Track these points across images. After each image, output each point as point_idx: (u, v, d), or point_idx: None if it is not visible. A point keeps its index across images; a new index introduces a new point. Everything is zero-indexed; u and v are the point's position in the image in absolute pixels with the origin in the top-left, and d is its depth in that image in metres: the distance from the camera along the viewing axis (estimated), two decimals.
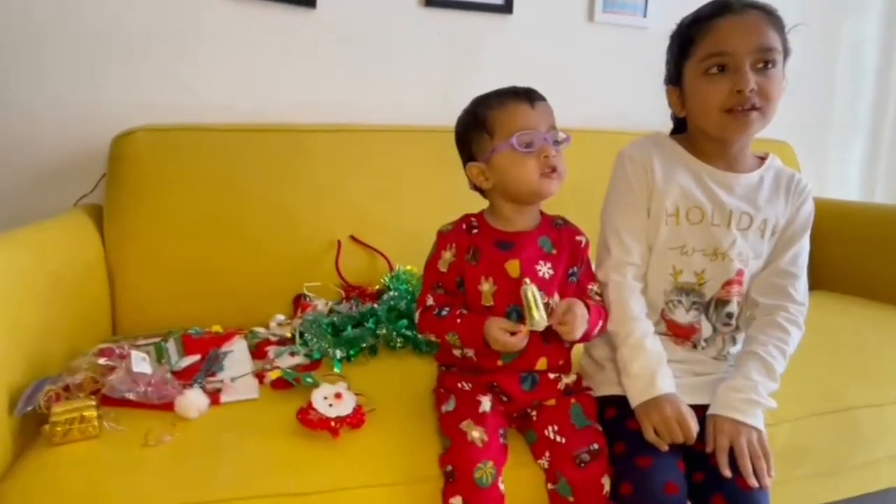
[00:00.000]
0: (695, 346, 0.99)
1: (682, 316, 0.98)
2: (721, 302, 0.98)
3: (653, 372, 0.89)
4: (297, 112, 1.53)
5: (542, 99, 0.92)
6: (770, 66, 0.89)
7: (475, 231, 0.94)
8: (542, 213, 0.98)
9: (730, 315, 0.99)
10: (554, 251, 0.94)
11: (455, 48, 1.68)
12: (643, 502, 0.81)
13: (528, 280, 0.86)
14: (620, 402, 0.92)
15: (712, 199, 0.96)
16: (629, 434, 0.88)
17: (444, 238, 0.95)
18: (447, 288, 0.95)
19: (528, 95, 0.91)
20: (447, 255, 0.94)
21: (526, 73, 1.69)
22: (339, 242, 1.38)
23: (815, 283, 1.15)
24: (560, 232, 0.96)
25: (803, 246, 0.99)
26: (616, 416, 0.93)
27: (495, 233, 0.94)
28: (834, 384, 1.12)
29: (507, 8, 1.68)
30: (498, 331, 0.85)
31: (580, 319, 0.87)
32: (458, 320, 0.89)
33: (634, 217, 0.98)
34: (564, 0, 1.77)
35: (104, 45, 1.41)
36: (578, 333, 0.87)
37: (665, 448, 0.85)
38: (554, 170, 0.88)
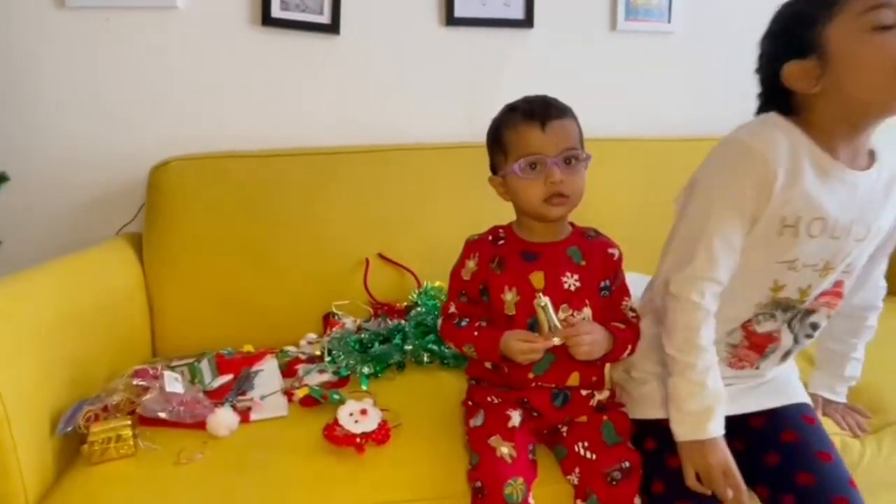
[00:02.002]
0: (757, 368, 0.91)
1: (764, 326, 0.88)
2: (809, 312, 0.89)
3: (710, 412, 0.81)
4: (324, 136, 1.56)
5: (559, 117, 0.88)
6: None
7: (501, 242, 0.94)
8: (572, 224, 0.96)
9: (814, 326, 0.90)
10: (583, 263, 0.92)
11: (478, 65, 1.69)
12: None
13: (540, 294, 0.84)
14: (660, 430, 0.86)
15: (838, 206, 0.81)
16: (669, 473, 0.83)
17: (469, 247, 0.96)
18: (470, 296, 0.94)
19: (542, 116, 0.87)
20: (470, 264, 0.94)
21: (550, 85, 1.67)
22: (367, 261, 1.39)
23: None
24: (591, 243, 0.94)
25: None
26: (656, 448, 0.87)
27: (522, 243, 0.93)
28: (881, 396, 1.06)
29: (527, 22, 1.69)
30: (516, 342, 0.84)
31: (591, 344, 0.84)
32: (476, 333, 0.89)
33: (735, 224, 0.82)
34: (585, 10, 1.75)
35: (139, 82, 1.49)
36: (589, 356, 0.85)
37: (708, 492, 0.80)
38: (560, 195, 0.87)
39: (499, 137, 0.91)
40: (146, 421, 0.93)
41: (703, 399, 0.81)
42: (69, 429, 0.87)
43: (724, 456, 0.80)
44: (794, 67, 0.80)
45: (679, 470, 0.82)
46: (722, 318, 0.86)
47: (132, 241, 1.39)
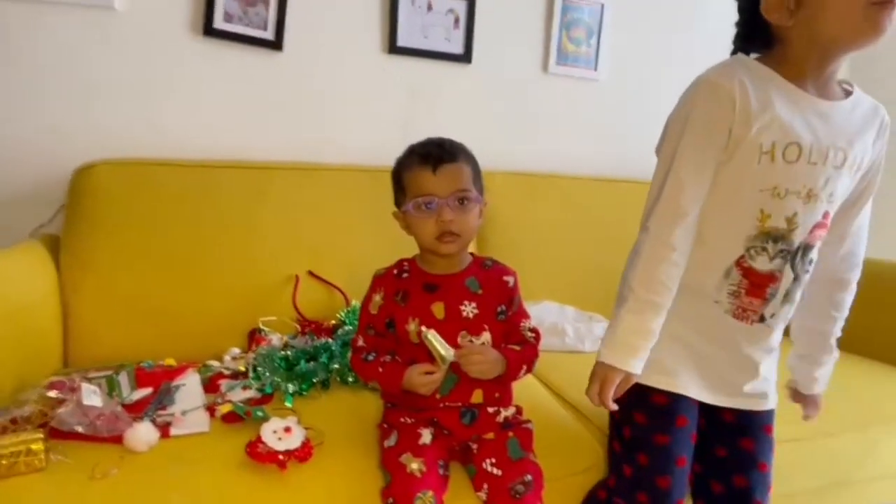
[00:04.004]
0: (762, 320, 0.92)
1: (764, 264, 0.90)
2: (807, 247, 0.91)
3: (640, 350, 0.88)
4: (258, 150, 1.58)
5: (451, 160, 0.94)
6: None
7: (405, 275, 1.01)
8: (472, 254, 1.04)
9: (811, 261, 0.93)
10: (480, 291, 0.99)
11: (415, 93, 1.76)
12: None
13: (424, 327, 0.93)
14: (652, 406, 0.94)
15: (811, 132, 0.86)
16: (655, 449, 0.92)
17: (376, 282, 1.02)
18: (377, 329, 1.01)
19: (435, 159, 0.93)
20: (377, 299, 1.00)
21: (483, 119, 1.82)
22: (296, 277, 1.41)
23: None
24: (488, 273, 1.02)
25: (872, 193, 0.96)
26: (645, 423, 0.95)
27: (423, 275, 1.00)
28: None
29: (465, 58, 1.78)
30: (417, 377, 0.92)
31: (480, 363, 0.92)
32: (380, 369, 0.96)
33: (703, 160, 0.86)
34: (521, 52, 1.88)
35: (68, 78, 1.45)
36: (482, 374, 0.93)
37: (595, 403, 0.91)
38: (450, 233, 0.94)
39: (399, 177, 0.99)
40: (58, 434, 0.91)
41: (642, 338, 0.88)
42: None
43: (616, 384, 0.88)
44: (773, 1, 0.84)
45: (665, 447, 0.91)
46: (716, 256, 0.91)
47: (47, 243, 1.34)
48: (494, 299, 1.00)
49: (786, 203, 0.87)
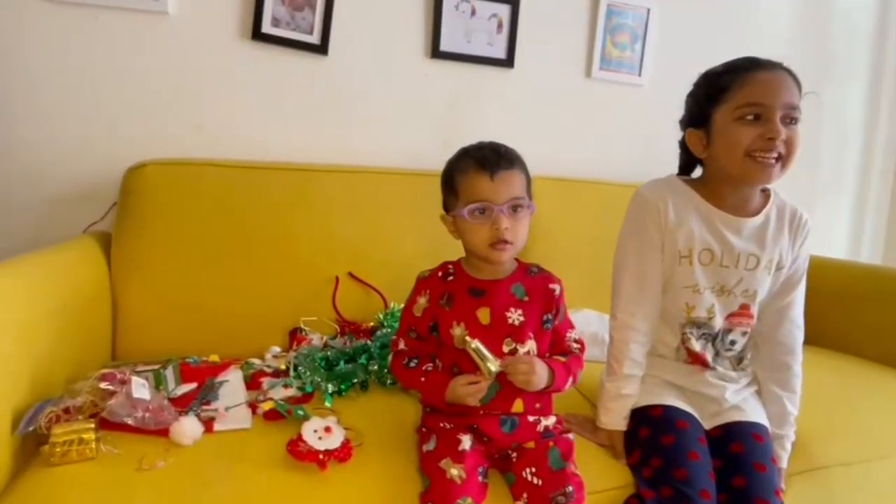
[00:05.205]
0: (707, 367, 1.10)
1: (696, 345, 1.09)
2: (726, 332, 1.10)
3: (622, 411, 1.07)
4: (303, 152, 1.60)
5: (508, 168, 0.94)
6: (794, 122, 0.98)
7: (451, 278, 1.00)
8: (518, 260, 1.03)
9: (732, 342, 1.11)
10: (526, 298, 0.98)
11: (457, 98, 1.77)
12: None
13: (468, 338, 0.92)
14: (650, 418, 1.04)
15: (721, 242, 1.05)
16: (664, 449, 0.98)
17: (420, 284, 1.01)
18: (419, 333, 1.00)
19: (492, 165, 0.93)
20: (422, 301, 1.00)
21: (525, 124, 1.81)
22: (336, 279, 1.43)
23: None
24: (534, 280, 1.01)
25: (804, 284, 1.11)
26: (650, 434, 1.02)
27: (470, 280, 0.99)
28: (805, 441, 1.15)
29: (508, 62, 1.78)
30: (462, 388, 0.91)
31: (526, 374, 0.91)
32: (423, 378, 0.96)
33: (647, 257, 1.06)
34: (563, 56, 1.86)
35: (122, 80, 1.49)
36: (527, 385, 0.92)
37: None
38: (504, 241, 0.93)
39: (451, 180, 0.98)
40: (108, 425, 0.93)
41: (622, 402, 1.06)
42: (30, 429, 0.87)
43: (621, 441, 1.05)
44: (692, 134, 1.06)
45: (672, 445, 0.98)
46: (667, 342, 1.12)
47: (100, 240, 1.38)
48: (540, 307, 0.99)
49: (703, 297, 1.06)
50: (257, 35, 1.56)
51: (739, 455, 1.00)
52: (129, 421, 0.92)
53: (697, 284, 1.05)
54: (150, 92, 1.52)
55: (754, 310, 1.09)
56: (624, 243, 1.10)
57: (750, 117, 0.97)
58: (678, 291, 1.07)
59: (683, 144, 1.11)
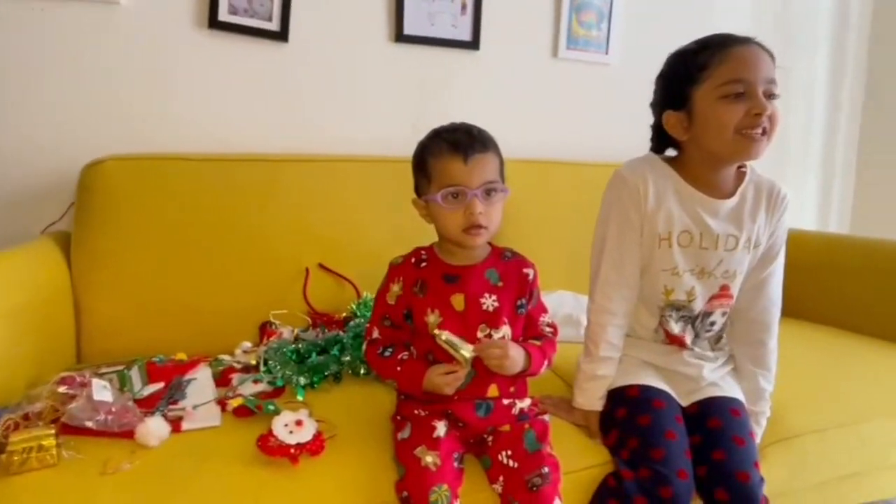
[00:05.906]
0: (685, 347, 1.11)
1: (674, 327, 1.09)
2: (706, 314, 1.10)
3: (598, 391, 1.08)
4: (268, 142, 1.57)
5: (483, 150, 0.92)
6: (773, 97, 0.97)
7: (424, 265, 0.98)
8: (491, 245, 1.01)
9: (712, 323, 1.11)
10: (500, 284, 0.97)
11: (424, 82, 1.74)
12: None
13: (437, 330, 0.91)
14: (627, 398, 1.05)
15: (700, 224, 1.04)
16: (641, 429, 0.99)
17: (393, 271, 0.99)
18: (394, 320, 0.98)
19: (466, 149, 0.90)
20: (395, 289, 0.98)
21: (493, 106, 1.79)
22: (307, 270, 1.40)
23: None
24: (507, 264, 1.00)
25: (782, 259, 1.10)
26: (627, 414, 1.03)
27: (443, 266, 0.97)
28: (780, 411, 1.16)
29: (473, 44, 1.75)
30: (438, 377, 0.90)
31: (500, 358, 0.90)
32: (398, 367, 0.94)
33: (626, 240, 1.05)
34: (529, 37, 1.85)
35: (75, 75, 1.44)
36: (502, 369, 0.92)
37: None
38: (479, 226, 0.91)
39: (423, 163, 0.95)
40: (70, 430, 0.90)
41: (597, 383, 1.07)
42: None
43: (596, 421, 1.06)
44: (671, 116, 1.03)
45: (649, 425, 0.98)
46: (644, 323, 1.12)
47: (59, 240, 1.34)
48: (514, 292, 0.98)
49: (683, 280, 1.06)
50: (214, 23, 1.52)
51: (718, 429, 1.01)
52: (91, 424, 0.89)
53: (677, 267, 1.05)
54: (105, 86, 1.46)
55: (734, 290, 1.08)
56: (602, 226, 1.08)
57: (734, 94, 0.95)
58: (657, 274, 1.06)
59: (658, 127, 1.07)
